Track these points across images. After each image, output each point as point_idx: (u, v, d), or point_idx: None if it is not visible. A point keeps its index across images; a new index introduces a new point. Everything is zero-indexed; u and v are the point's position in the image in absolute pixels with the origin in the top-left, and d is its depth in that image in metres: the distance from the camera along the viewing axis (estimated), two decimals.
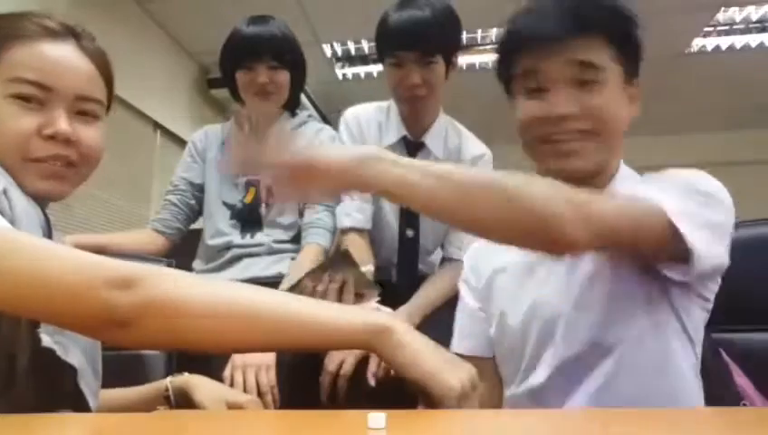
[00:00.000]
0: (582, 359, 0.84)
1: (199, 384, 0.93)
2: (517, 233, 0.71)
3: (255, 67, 1.55)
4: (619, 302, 0.83)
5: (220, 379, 1.24)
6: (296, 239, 1.60)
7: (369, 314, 0.63)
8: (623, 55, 0.85)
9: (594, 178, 0.87)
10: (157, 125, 3.61)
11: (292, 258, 1.56)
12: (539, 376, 0.89)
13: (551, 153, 0.86)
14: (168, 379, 0.95)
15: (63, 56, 0.79)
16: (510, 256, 0.96)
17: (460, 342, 1.06)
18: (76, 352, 0.76)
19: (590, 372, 0.84)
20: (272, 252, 1.57)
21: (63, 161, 0.81)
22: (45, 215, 0.78)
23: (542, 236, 0.69)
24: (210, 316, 0.58)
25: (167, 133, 3.70)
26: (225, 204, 1.63)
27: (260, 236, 1.58)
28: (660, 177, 0.82)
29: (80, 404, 0.75)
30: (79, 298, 0.55)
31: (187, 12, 3.44)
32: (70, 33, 0.81)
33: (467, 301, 1.06)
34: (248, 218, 1.61)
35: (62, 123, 0.78)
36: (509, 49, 0.89)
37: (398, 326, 0.63)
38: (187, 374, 0.96)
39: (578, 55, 0.82)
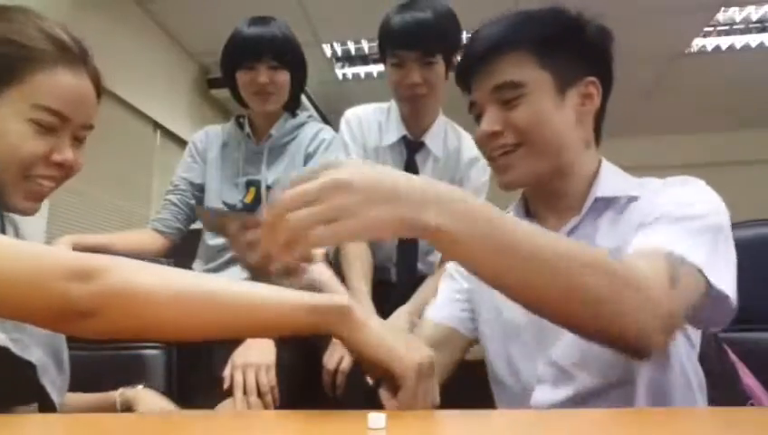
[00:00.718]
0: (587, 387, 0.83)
1: (144, 398, 0.94)
2: (594, 333, 0.67)
3: (256, 67, 1.55)
4: None
5: (220, 381, 1.24)
6: None
7: (324, 295, 0.64)
8: (552, 62, 0.86)
9: (561, 182, 0.89)
10: (157, 125, 3.61)
11: None
12: (529, 381, 0.88)
13: (494, 169, 0.92)
14: (120, 390, 0.96)
15: (82, 89, 0.84)
16: None
17: (437, 310, 1.04)
18: (35, 348, 0.76)
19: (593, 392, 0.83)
20: None
21: (54, 181, 0.85)
22: (1, 212, 0.79)
23: (623, 345, 0.67)
24: (172, 304, 0.58)
25: (167, 133, 3.70)
26: (225, 204, 1.63)
27: None
28: (672, 208, 0.79)
29: (43, 401, 0.75)
30: (39, 291, 0.55)
31: (187, 12, 3.44)
32: (81, 56, 0.85)
33: (459, 281, 1.04)
34: None
35: (69, 153, 0.84)
36: (461, 87, 0.94)
37: (354, 305, 0.64)
38: (140, 387, 0.96)
39: (494, 80, 0.87)
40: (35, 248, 0.58)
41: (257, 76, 1.55)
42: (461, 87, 0.95)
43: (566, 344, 0.84)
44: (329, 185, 0.56)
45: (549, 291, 0.62)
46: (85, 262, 0.57)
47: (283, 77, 1.58)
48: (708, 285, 0.72)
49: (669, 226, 0.76)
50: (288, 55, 1.58)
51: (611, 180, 0.89)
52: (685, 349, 0.83)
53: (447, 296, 1.04)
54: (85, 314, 0.55)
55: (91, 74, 0.86)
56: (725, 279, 0.74)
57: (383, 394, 0.65)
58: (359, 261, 1.51)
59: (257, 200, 1.61)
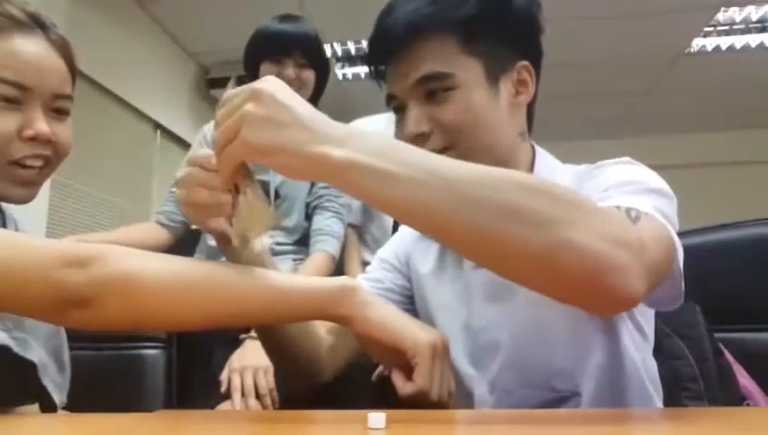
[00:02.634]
0: (533, 393, 0.75)
1: None
2: (557, 284, 0.54)
3: (284, 61, 1.54)
4: (574, 332, 0.71)
5: (220, 382, 1.24)
6: (299, 242, 1.59)
7: (326, 278, 0.63)
8: (480, 46, 0.74)
9: None
10: (157, 125, 3.61)
11: (293, 259, 1.55)
12: (477, 390, 0.80)
13: None
14: None
15: (39, 54, 0.78)
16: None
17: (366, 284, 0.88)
18: (36, 347, 0.75)
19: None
20: (272, 253, 1.56)
21: (42, 160, 0.80)
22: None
23: (589, 285, 0.52)
24: (170, 291, 0.57)
25: (167, 133, 3.70)
26: None
27: None
28: (623, 177, 0.70)
29: (43, 400, 0.75)
30: (34, 280, 0.54)
31: (187, 12, 3.44)
32: (37, 23, 0.79)
33: (399, 277, 0.90)
34: None
35: (42, 125, 0.77)
36: (371, 75, 0.82)
37: (359, 285, 0.63)
38: None
39: (417, 71, 0.74)
40: (31, 238, 0.57)
41: (284, 70, 1.54)
42: (371, 75, 0.82)
43: (504, 365, 0.76)
44: (245, 91, 0.55)
45: (480, 216, 0.51)
46: (81, 250, 0.56)
47: (309, 75, 1.58)
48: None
49: (610, 192, 0.67)
50: (315, 55, 1.58)
51: (548, 175, 0.79)
52: (633, 339, 0.74)
53: (382, 277, 0.90)
54: (81, 302, 0.54)
55: (56, 43, 0.80)
56: (673, 232, 0.63)
57: (396, 379, 0.63)
58: (358, 254, 1.51)
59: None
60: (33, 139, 0.77)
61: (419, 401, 0.62)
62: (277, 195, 1.60)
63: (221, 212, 0.61)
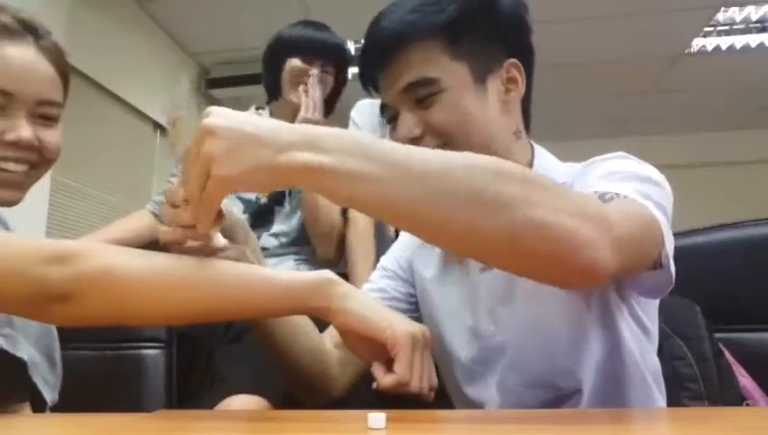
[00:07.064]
0: (535, 391, 0.76)
1: None
2: (527, 263, 0.55)
3: (313, 61, 1.57)
4: (573, 328, 0.73)
5: (221, 380, 1.24)
6: (302, 243, 1.59)
7: (306, 272, 0.63)
8: (466, 50, 0.76)
9: None
10: (157, 125, 3.61)
11: (295, 260, 1.55)
12: (485, 392, 0.80)
13: None
14: None
15: (25, 60, 0.78)
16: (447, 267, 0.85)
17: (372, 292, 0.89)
18: (26, 345, 0.76)
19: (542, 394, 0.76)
20: (273, 255, 1.56)
21: (26, 165, 0.80)
22: None
23: (555, 263, 0.54)
24: (150, 286, 0.57)
25: (167, 133, 3.69)
26: (239, 198, 1.59)
27: (265, 238, 1.57)
28: (609, 169, 0.71)
29: (34, 398, 0.75)
30: (15, 277, 0.55)
31: (187, 12, 3.43)
32: (28, 30, 0.80)
33: (404, 285, 0.91)
34: (260, 218, 1.58)
35: (25, 130, 0.78)
36: (365, 86, 0.84)
37: (339, 278, 0.63)
38: None
39: (405, 78, 0.76)
40: (12, 236, 0.58)
41: (312, 67, 1.56)
42: (365, 86, 0.83)
43: (508, 367, 0.77)
44: (198, 135, 0.54)
45: (447, 205, 0.52)
46: (62, 246, 0.57)
47: (331, 81, 1.61)
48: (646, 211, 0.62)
49: (593, 182, 0.69)
50: (341, 67, 1.63)
51: (547, 173, 0.78)
52: (632, 332, 0.74)
53: (385, 286, 0.91)
54: (62, 298, 0.55)
55: (46, 50, 0.80)
56: (660, 216, 0.64)
57: (376, 370, 0.63)
58: (362, 251, 1.51)
59: (275, 200, 1.58)
60: (14, 143, 0.78)
61: (400, 394, 0.61)
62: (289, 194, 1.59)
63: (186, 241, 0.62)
